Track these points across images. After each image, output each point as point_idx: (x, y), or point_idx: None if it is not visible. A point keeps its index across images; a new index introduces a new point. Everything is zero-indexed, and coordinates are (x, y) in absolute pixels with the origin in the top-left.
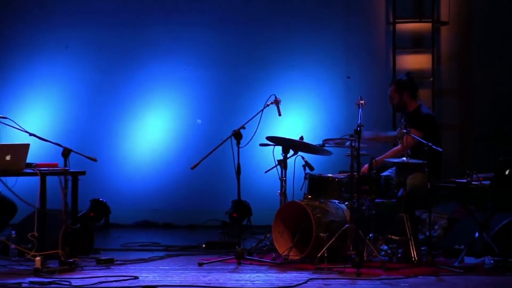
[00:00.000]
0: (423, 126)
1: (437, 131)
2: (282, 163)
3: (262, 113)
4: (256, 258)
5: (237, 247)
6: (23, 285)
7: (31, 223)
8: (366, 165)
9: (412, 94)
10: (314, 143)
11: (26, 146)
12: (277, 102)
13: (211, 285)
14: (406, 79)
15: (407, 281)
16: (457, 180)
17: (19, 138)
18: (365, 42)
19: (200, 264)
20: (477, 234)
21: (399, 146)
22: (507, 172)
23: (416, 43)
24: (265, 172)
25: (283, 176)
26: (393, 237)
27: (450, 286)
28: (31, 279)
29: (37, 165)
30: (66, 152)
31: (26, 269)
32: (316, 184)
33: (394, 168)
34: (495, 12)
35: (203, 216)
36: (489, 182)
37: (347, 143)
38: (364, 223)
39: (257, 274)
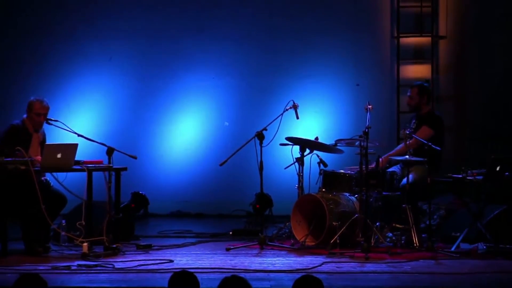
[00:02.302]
0: (435, 125)
1: (443, 133)
2: (300, 161)
3: (282, 117)
4: (277, 244)
5: (260, 234)
6: (72, 267)
7: (79, 213)
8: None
9: (428, 99)
10: (327, 143)
11: (75, 146)
12: (295, 107)
13: (237, 267)
14: (427, 86)
15: (409, 264)
16: (453, 176)
17: (69, 138)
18: (372, 54)
19: (227, 249)
20: (471, 223)
21: (402, 145)
22: (498, 168)
23: (417, 55)
24: (285, 168)
25: (300, 172)
26: (397, 225)
27: (448, 269)
28: (79, 262)
29: (84, 162)
30: (110, 151)
31: (74, 254)
32: (330, 179)
33: (399, 165)
34: (487, 28)
35: (230, 207)
36: (482, 177)
37: (357, 143)
38: (372, 213)
39: (277, 258)
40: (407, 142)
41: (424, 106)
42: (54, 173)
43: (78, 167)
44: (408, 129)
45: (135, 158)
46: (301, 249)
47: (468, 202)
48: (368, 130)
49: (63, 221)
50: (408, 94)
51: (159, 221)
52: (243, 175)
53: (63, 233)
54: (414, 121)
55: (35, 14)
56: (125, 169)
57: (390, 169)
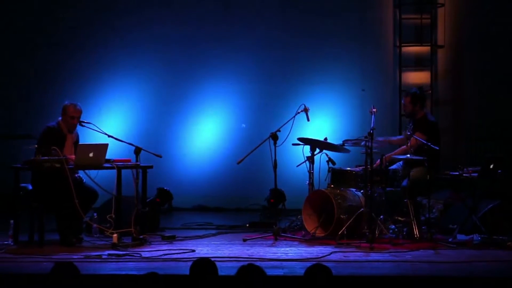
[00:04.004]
0: (428, 130)
1: (438, 135)
2: (310, 159)
3: (294, 119)
4: (289, 235)
5: (274, 226)
6: (103, 256)
7: (109, 207)
8: (378, 161)
9: (422, 105)
10: (335, 143)
11: (106, 146)
12: (306, 110)
13: (253, 256)
14: (419, 93)
15: (410, 253)
16: (451, 173)
17: (100, 139)
18: (376, 62)
19: (244, 240)
20: (467, 216)
21: (404, 146)
22: (491, 166)
23: (417, 63)
24: (297, 166)
25: (311, 169)
26: (399, 218)
27: (446, 258)
28: (109, 252)
29: (114, 161)
30: (137, 150)
31: (105, 244)
32: (337, 176)
33: (400, 163)
34: (481, 38)
35: (247, 201)
36: (477, 174)
37: (362, 143)
38: (376, 207)
39: (290, 248)
40: (408, 143)
41: (418, 111)
42: (87, 171)
43: (109, 165)
44: (409, 131)
45: (160, 156)
46: (311, 240)
47: (464, 197)
48: (372, 131)
49: (95, 214)
50: (402, 102)
51: (182, 214)
52: (258, 172)
53: (94, 225)
54: (411, 124)
55: (70, 28)
56: (151, 167)
57: (393, 167)
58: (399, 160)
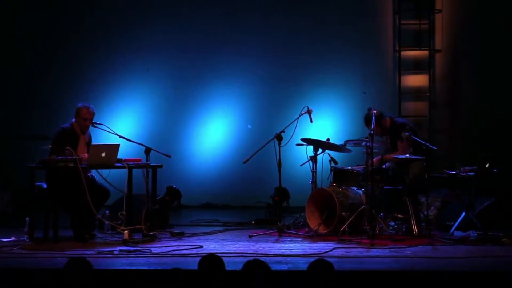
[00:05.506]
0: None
1: (415, 133)
2: (313, 159)
3: (297, 120)
4: (293, 232)
5: (278, 223)
6: (115, 252)
7: (121, 204)
8: (377, 157)
9: (381, 117)
10: (337, 143)
11: (117, 146)
12: (309, 112)
13: (259, 252)
14: (369, 113)
15: (409, 249)
16: (448, 172)
17: (112, 139)
18: (377, 66)
19: (250, 236)
20: (464, 213)
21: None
22: (487, 165)
23: (416, 66)
24: (300, 165)
25: (314, 168)
26: (398, 215)
27: (443, 254)
28: (121, 248)
29: (125, 160)
30: (147, 150)
31: (117, 240)
32: (339, 175)
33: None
34: (477, 43)
35: (252, 199)
36: (473, 173)
37: (363, 143)
38: (377, 204)
39: (294, 244)
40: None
41: (385, 123)
42: (99, 170)
43: (120, 165)
44: (407, 132)
45: (169, 156)
46: (314, 236)
47: (461, 195)
48: (373, 132)
49: (107, 211)
50: (371, 133)
51: (190, 211)
52: (263, 172)
53: (106, 222)
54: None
55: (85, 35)
56: (160, 166)
57: (385, 166)
58: (399, 159)
